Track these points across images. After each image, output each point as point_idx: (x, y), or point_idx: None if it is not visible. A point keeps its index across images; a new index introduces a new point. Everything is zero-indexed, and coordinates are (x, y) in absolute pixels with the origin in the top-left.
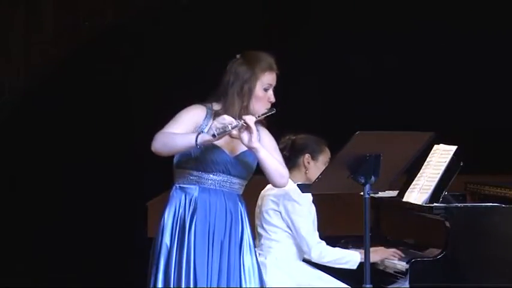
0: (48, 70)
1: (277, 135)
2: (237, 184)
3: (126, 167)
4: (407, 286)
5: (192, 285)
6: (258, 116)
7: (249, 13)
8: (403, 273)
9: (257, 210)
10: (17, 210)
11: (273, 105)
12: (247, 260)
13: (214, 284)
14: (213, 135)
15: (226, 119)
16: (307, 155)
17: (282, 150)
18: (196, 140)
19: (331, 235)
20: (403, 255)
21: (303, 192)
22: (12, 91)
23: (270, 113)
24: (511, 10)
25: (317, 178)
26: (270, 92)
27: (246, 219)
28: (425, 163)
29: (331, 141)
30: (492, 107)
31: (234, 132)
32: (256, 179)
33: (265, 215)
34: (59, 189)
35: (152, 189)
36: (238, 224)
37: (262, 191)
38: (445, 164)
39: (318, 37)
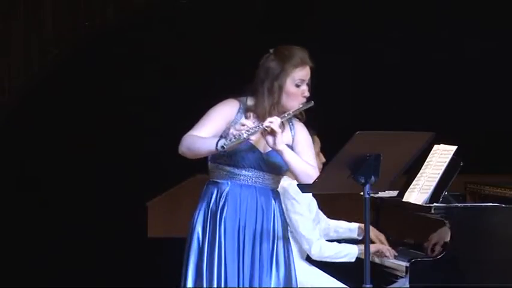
0: (48, 70)
1: None
2: (270, 179)
3: (126, 167)
4: (407, 286)
5: (223, 285)
6: (288, 114)
7: (249, 13)
8: (403, 273)
9: None
10: (17, 210)
11: (308, 99)
12: (280, 256)
13: (247, 283)
14: (222, 147)
15: (244, 126)
16: None
17: None
18: (216, 146)
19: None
20: (396, 254)
21: (302, 192)
22: (12, 91)
23: (306, 107)
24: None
25: (317, 178)
26: (304, 87)
27: (278, 214)
28: (425, 163)
29: (331, 141)
30: (492, 107)
31: (253, 138)
32: None
33: None
34: (59, 189)
35: (152, 189)
36: (270, 220)
37: None
38: (445, 164)
39: (318, 35)
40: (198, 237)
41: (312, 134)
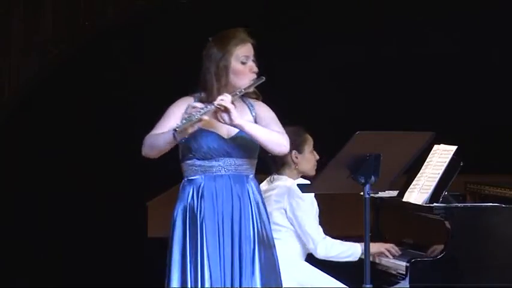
0: (48, 70)
1: None
2: (244, 165)
3: (126, 167)
4: (407, 286)
5: (207, 285)
6: (240, 91)
7: (249, 13)
8: (403, 273)
9: None
10: (17, 211)
11: (260, 74)
12: (261, 240)
13: (228, 279)
14: (174, 130)
15: (194, 109)
16: (293, 152)
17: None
18: (173, 134)
19: (331, 235)
20: (399, 252)
21: (303, 192)
22: (12, 91)
23: (258, 83)
24: (510, 8)
25: (317, 178)
26: (250, 63)
27: (258, 198)
28: (425, 163)
29: (331, 141)
30: (492, 107)
31: (206, 117)
32: (257, 178)
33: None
34: (59, 189)
35: (152, 189)
36: (248, 206)
37: (262, 192)
38: (445, 164)
39: (317, 33)
40: (180, 236)
41: (302, 134)
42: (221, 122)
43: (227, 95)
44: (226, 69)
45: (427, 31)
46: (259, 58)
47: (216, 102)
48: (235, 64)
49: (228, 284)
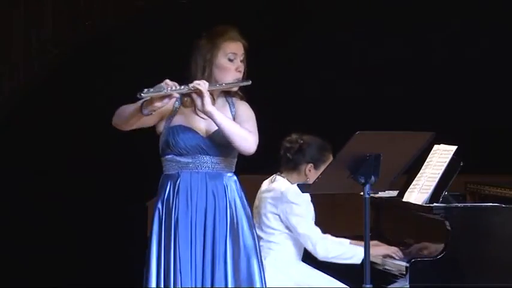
0: (48, 70)
1: (278, 133)
2: (221, 163)
3: (126, 167)
4: (407, 286)
5: (178, 285)
6: (219, 84)
7: (249, 13)
8: (403, 273)
9: (254, 211)
10: (17, 211)
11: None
12: (236, 244)
13: (199, 278)
14: (140, 94)
15: (166, 84)
16: (310, 165)
17: (287, 151)
18: (141, 106)
19: (331, 235)
20: (402, 255)
21: (302, 192)
22: (12, 91)
23: (242, 84)
24: (511, 8)
25: (317, 178)
26: (238, 62)
27: (236, 195)
28: (425, 163)
29: (332, 141)
30: (492, 107)
31: (176, 94)
32: (256, 178)
33: (264, 218)
34: (59, 189)
35: (152, 189)
36: (223, 204)
37: (259, 192)
38: (445, 164)
39: (317, 33)
40: (156, 233)
41: (326, 153)
42: (193, 108)
43: (205, 82)
44: (210, 62)
45: (427, 31)
46: (260, 59)
47: (191, 84)
48: (221, 58)
49: (199, 284)
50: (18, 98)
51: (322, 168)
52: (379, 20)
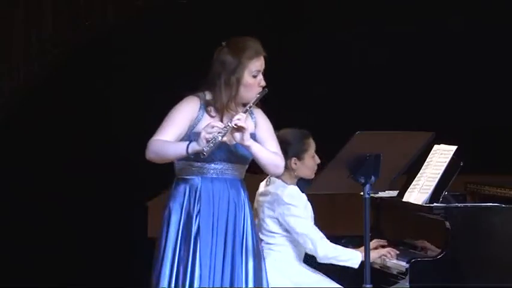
0: (48, 70)
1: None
2: (238, 170)
3: (125, 167)
4: (407, 286)
5: (196, 286)
6: (250, 106)
7: (250, 13)
8: (403, 273)
9: (254, 213)
10: (17, 211)
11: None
12: (249, 246)
13: (218, 282)
14: (203, 154)
15: (215, 128)
16: (293, 159)
17: None
18: (187, 150)
19: (331, 235)
20: (397, 252)
21: (303, 192)
22: (12, 91)
23: (262, 96)
24: (511, 7)
25: (317, 178)
26: (260, 77)
27: (247, 207)
28: (425, 163)
29: (331, 141)
30: (492, 107)
31: (225, 139)
32: (255, 178)
33: (263, 223)
34: (59, 189)
35: (152, 189)
36: (241, 212)
37: (257, 194)
38: (445, 164)
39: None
40: (174, 235)
41: (305, 140)
42: (234, 140)
43: (243, 114)
44: (238, 82)
45: (427, 31)
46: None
47: (233, 123)
48: (247, 78)
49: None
50: (18, 98)
51: (306, 156)
52: (379, 20)
